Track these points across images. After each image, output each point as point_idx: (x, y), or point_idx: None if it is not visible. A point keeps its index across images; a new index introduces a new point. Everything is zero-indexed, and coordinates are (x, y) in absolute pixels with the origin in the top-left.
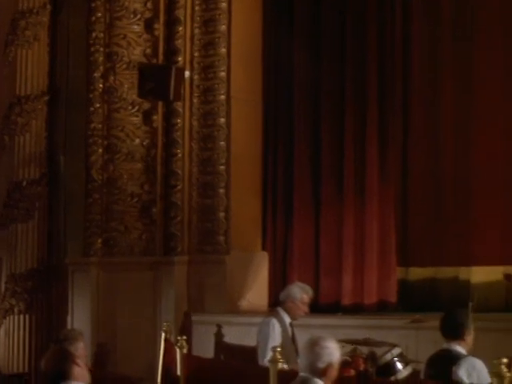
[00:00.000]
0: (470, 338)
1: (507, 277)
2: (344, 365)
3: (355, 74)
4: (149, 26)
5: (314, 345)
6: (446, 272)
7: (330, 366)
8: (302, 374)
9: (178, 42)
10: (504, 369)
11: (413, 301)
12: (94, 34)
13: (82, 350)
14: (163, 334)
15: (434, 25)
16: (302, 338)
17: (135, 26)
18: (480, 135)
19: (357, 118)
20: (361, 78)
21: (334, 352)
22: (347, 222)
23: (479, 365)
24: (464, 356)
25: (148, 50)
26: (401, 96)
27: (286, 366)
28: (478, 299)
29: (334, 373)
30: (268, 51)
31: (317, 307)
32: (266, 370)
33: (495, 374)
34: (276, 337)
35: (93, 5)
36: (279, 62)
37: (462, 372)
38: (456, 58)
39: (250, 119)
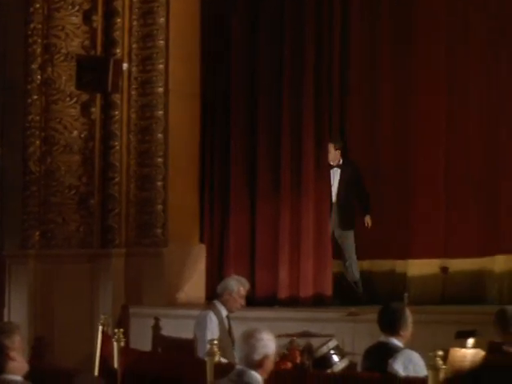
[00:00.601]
0: (407, 331)
1: (443, 270)
2: (281, 357)
3: (293, 70)
4: (87, 17)
5: (250, 337)
6: (383, 265)
7: (265, 357)
8: (238, 366)
9: (116, 34)
10: (439, 361)
11: (349, 294)
12: (31, 25)
13: (18, 342)
14: (100, 327)
15: (373, 21)
16: (238, 331)
17: (73, 18)
18: (419, 131)
19: (293, 113)
20: (298, 74)
21: (269, 344)
22: (283, 215)
23: (415, 357)
24: (401, 349)
25: (86, 42)
26: (338, 91)
27: (223, 359)
28: (415, 292)
29: (270, 364)
30: (206, 44)
31: (253, 300)
32: (203, 362)
33: (431, 366)
34: (213, 330)
35: None
36: (217, 54)
37: (398, 365)
38: (394, 56)
39: (187, 112)
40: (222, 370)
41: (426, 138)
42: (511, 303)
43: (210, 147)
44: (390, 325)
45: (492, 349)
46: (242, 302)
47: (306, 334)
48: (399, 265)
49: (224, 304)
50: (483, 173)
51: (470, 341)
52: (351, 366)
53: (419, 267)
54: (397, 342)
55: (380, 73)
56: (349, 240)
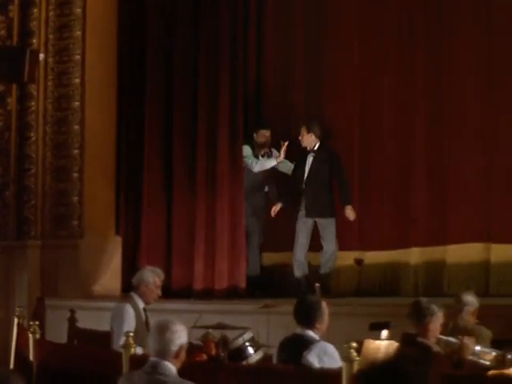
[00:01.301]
0: (323, 324)
1: (358, 261)
2: (196, 349)
3: (208, 67)
4: (3, 7)
5: (165, 329)
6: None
7: (181, 348)
8: (151, 358)
9: (33, 24)
10: (354, 353)
11: (265, 286)
12: None
13: None
14: (16, 319)
15: (288, 20)
16: None
17: None
18: (333, 128)
19: (209, 103)
20: (214, 64)
21: (182, 334)
22: (199, 208)
23: (330, 349)
24: (316, 341)
25: (2, 32)
26: (254, 83)
27: (139, 351)
28: (330, 284)
29: (183, 354)
30: (123, 35)
31: (169, 292)
32: (118, 354)
33: (345, 358)
34: (130, 322)
35: None
36: (134, 46)
37: (312, 357)
38: (307, 54)
39: (104, 103)
40: (138, 362)
41: (341, 133)
42: (426, 295)
43: (125, 139)
44: (306, 317)
45: (406, 340)
46: (159, 292)
47: (221, 326)
48: (313, 257)
49: (141, 296)
50: (396, 167)
51: (384, 332)
52: (266, 358)
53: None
54: (312, 334)
55: (294, 73)
56: (327, 229)
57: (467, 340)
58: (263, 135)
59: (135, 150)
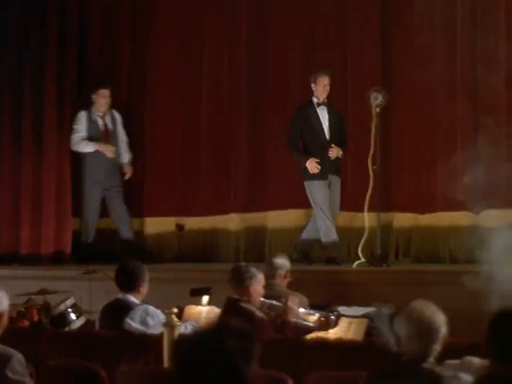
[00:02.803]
0: (144, 288)
1: (179, 227)
2: (18, 316)
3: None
4: None
5: None
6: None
7: (1, 315)
8: None
9: None
10: (174, 318)
11: (89, 251)
12: None
13: None
14: None
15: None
16: None
17: None
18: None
19: (35, 59)
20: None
21: (3, 301)
22: (25, 171)
23: (151, 309)
24: (136, 305)
25: None
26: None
27: None
28: (152, 250)
29: (4, 321)
30: None
31: None
32: None
33: (166, 323)
34: None
35: None
36: None
37: (134, 321)
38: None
39: None
40: None
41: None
42: (247, 261)
43: None
44: (128, 282)
45: (229, 305)
46: None
47: (43, 292)
48: (137, 223)
49: None
50: (216, 133)
51: (205, 298)
52: (88, 324)
53: (156, 225)
54: (133, 299)
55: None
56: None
57: (291, 302)
58: (102, 95)
59: None
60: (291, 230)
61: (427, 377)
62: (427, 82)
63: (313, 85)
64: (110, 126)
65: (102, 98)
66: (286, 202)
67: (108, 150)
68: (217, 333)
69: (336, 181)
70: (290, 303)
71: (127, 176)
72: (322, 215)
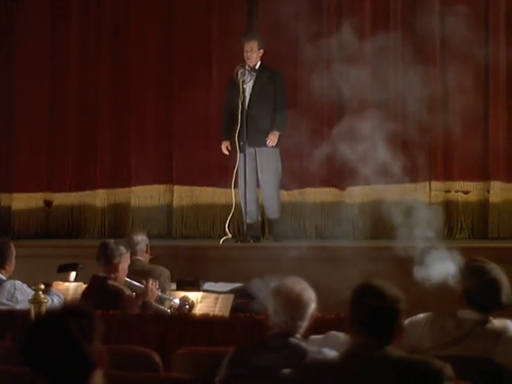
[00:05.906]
0: (11, 265)
1: (47, 203)
2: None
3: None
4: None
5: None
6: None
7: None
8: None
9: None
10: (42, 295)
11: None
12: None
13: None
14: None
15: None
16: None
17: None
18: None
19: None
20: None
21: None
22: None
23: (18, 284)
24: (4, 281)
25: None
26: None
27: None
28: (19, 226)
29: None
30: None
31: None
32: None
33: (33, 300)
34: None
35: None
36: None
37: (3, 297)
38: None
39: None
40: None
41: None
42: (112, 237)
43: None
44: None
45: (95, 283)
46: None
47: None
48: (4, 198)
49: None
50: (81, 107)
51: (73, 274)
52: None
53: (24, 201)
54: (1, 275)
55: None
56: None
57: (151, 284)
58: None
59: None
60: (154, 207)
61: (293, 351)
62: None
63: None
64: None
65: None
66: (149, 177)
67: None
68: (56, 314)
69: None
70: (150, 285)
71: None
72: None
